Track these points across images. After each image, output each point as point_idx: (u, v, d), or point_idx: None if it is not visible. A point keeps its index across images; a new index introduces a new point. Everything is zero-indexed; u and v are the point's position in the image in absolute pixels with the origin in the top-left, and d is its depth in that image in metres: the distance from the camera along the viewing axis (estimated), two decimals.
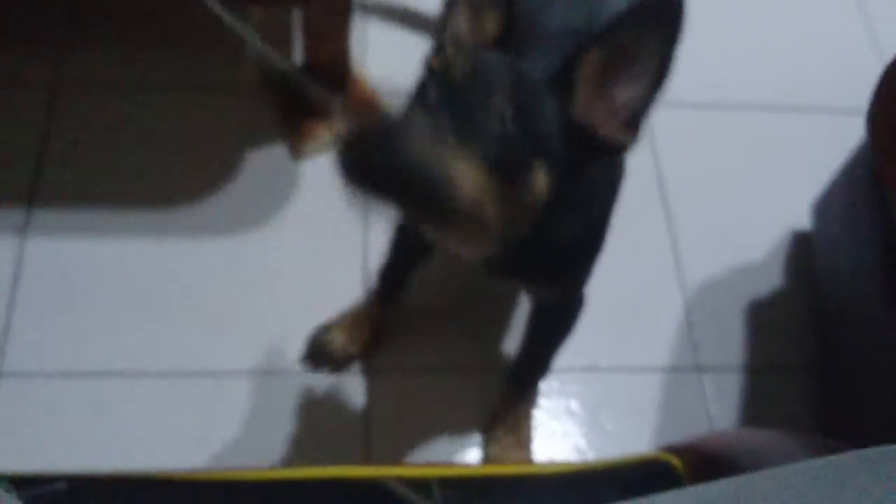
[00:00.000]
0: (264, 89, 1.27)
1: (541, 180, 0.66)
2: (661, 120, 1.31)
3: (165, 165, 1.19)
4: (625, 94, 0.65)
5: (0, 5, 1.21)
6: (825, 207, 1.19)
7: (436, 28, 0.76)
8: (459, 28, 0.72)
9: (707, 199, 1.29)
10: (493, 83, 0.64)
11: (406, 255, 1.01)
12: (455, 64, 0.65)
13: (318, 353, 1.07)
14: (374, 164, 0.60)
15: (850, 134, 1.10)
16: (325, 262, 1.15)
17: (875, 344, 1.01)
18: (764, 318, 1.19)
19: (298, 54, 1.28)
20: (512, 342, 1.12)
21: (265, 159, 1.22)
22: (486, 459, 1.04)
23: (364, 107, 1.26)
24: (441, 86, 0.65)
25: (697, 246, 1.24)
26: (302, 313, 1.10)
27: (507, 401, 1.05)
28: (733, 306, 1.20)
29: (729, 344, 1.16)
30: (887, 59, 0.99)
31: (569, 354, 1.10)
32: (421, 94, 0.67)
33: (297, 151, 1.22)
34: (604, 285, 1.17)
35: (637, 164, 1.28)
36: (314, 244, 1.16)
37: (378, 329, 1.09)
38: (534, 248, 0.74)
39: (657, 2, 0.60)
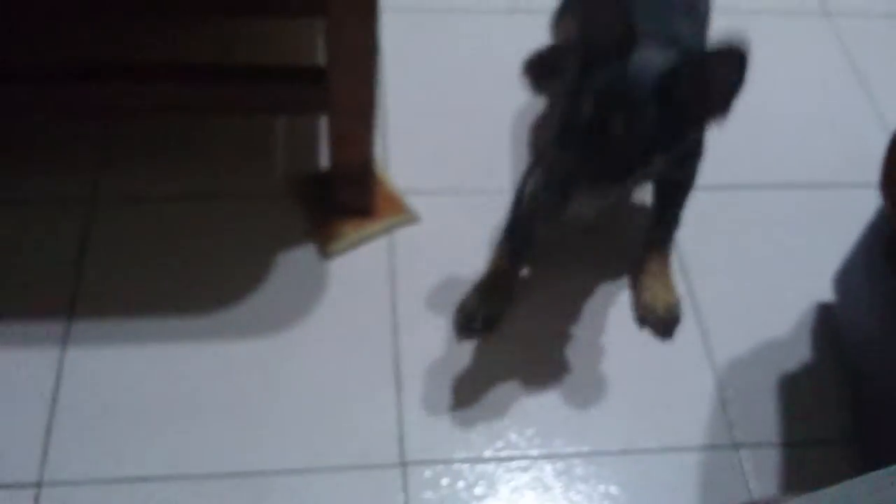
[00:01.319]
0: (292, 193, 1.32)
1: (658, 162, 0.96)
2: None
3: (198, 272, 1.23)
4: (718, 92, 0.91)
5: (40, 126, 1.27)
6: (846, 278, 1.21)
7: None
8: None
9: (730, 279, 1.31)
10: (612, 111, 0.91)
11: (532, 212, 1.20)
12: (585, 107, 0.93)
13: (468, 322, 1.19)
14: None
15: (864, 206, 1.13)
16: (355, 362, 1.17)
17: None
18: (797, 390, 1.19)
19: (325, 158, 1.33)
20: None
21: (295, 261, 1.25)
22: (640, 306, 1.23)
23: (388, 207, 1.31)
24: (578, 119, 0.94)
25: (725, 324, 1.25)
26: (333, 414, 1.11)
27: (650, 256, 1.25)
28: (765, 381, 1.20)
29: (764, 419, 1.16)
30: (892, 130, 1.03)
31: (603, 438, 1.11)
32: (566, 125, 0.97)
33: (325, 252, 1.26)
34: (636, 369, 1.19)
35: None
36: (344, 344, 1.18)
37: (514, 288, 1.23)
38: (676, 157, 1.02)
39: (729, 50, 0.88)
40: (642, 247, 1.27)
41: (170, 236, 1.27)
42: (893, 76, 1.62)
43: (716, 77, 0.90)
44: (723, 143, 1.44)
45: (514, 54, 1.57)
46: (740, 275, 1.31)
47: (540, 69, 1.54)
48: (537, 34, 1.55)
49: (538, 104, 1.50)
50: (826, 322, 1.26)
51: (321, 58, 1.15)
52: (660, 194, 1.26)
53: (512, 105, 1.49)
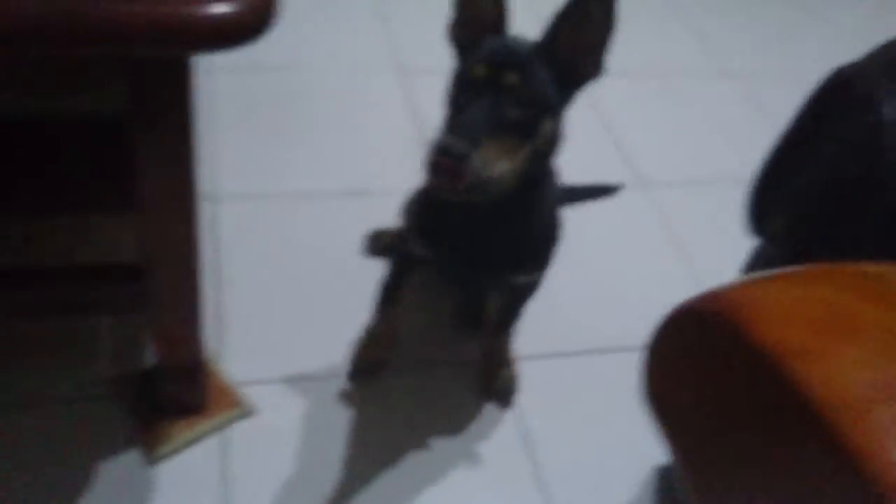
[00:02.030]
0: (116, 393, 1.25)
1: (548, 126, 1.01)
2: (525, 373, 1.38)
3: (12, 491, 1.12)
4: (589, 43, 0.98)
5: None
6: None
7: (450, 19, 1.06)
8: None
9: (572, 445, 1.32)
10: (503, 69, 0.97)
11: (402, 275, 1.34)
12: (477, 70, 0.98)
13: (362, 366, 1.38)
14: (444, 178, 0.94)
15: None
16: None
17: None
18: None
19: (152, 354, 1.28)
20: None
21: (118, 469, 1.17)
22: (484, 381, 1.39)
23: (221, 401, 1.26)
24: (469, 86, 0.99)
25: (568, 491, 1.25)
26: None
27: (493, 341, 1.38)
28: None
29: None
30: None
31: None
32: (455, 98, 1.01)
33: (152, 456, 1.18)
34: None
35: (500, 417, 1.33)
36: None
37: (394, 337, 1.41)
38: (515, 245, 1.15)
39: None
40: (486, 335, 1.40)
41: None
42: (705, 238, 1.74)
43: (587, 21, 0.97)
44: (554, 314, 1.50)
45: (354, 236, 1.59)
46: (582, 441, 1.33)
47: (381, 248, 1.57)
48: (376, 216, 1.59)
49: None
50: (665, 484, 1.28)
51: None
52: (507, 299, 1.34)
53: (353, 287, 1.50)
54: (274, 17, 0.79)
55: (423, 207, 1.21)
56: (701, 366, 0.56)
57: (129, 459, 1.18)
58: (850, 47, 1.08)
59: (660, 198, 1.84)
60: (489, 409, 1.37)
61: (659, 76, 2.26)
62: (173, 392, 1.21)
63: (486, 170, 0.94)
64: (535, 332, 1.47)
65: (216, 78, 1.89)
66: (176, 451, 1.19)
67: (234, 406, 1.26)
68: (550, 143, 1.04)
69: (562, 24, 0.98)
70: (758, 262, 1.14)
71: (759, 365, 0.47)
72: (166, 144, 0.90)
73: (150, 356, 1.29)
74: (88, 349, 1.30)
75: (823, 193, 0.95)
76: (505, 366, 1.39)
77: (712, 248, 1.70)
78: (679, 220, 1.79)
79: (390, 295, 1.35)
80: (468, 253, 1.16)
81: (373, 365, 1.39)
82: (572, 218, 1.59)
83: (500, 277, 1.25)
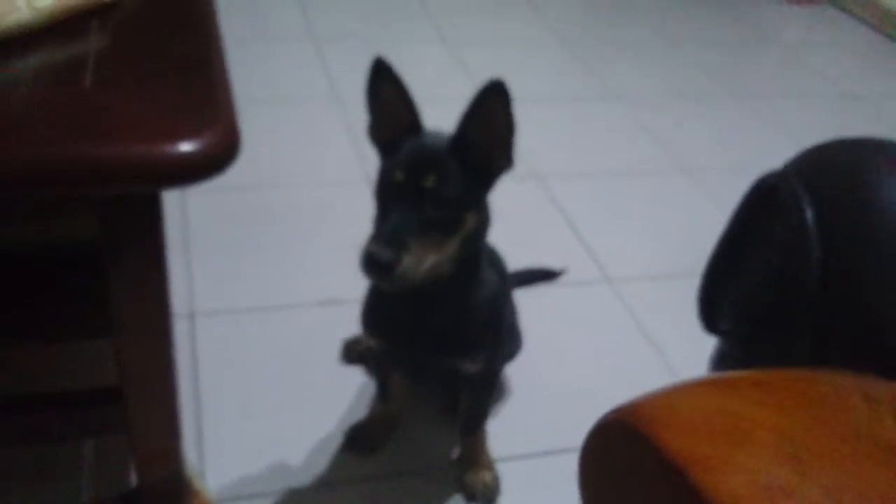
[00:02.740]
0: None
1: (471, 219, 1.07)
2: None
3: None
4: (497, 138, 1.05)
5: None
6: None
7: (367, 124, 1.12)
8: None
9: None
10: (420, 173, 1.03)
11: (386, 375, 1.42)
12: (397, 175, 1.04)
13: (359, 442, 1.44)
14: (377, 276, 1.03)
15: None
16: None
17: None
18: None
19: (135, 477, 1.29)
20: None
21: None
22: (465, 486, 1.40)
23: None
24: (392, 189, 1.05)
25: None
26: None
27: (467, 442, 1.41)
28: None
29: None
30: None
31: None
32: (382, 200, 1.07)
33: None
34: None
35: None
36: None
37: (395, 421, 1.49)
38: (456, 328, 1.19)
39: (492, 84, 1.01)
40: (460, 436, 1.43)
41: None
42: (675, 331, 1.78)
43: (491, 113, 1.03)
44: (533, 411, 1.53)
45: (330, 344, 1.63)
46: None
47: (357, 356, 1.61)
48: (351, 324, 1.63)
49: (361, 389, 1.55)
50: None
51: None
52: (468, 393, 1.37)
53: (334, 394, 1.53)
54: (237, 149, 0.85)
55: (371, 301, 1.26)
56: (623, 473, 0.60)
57: None
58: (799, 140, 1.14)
59: (629, 292, 1.90)
60: None
61: (620, 174, 2.36)
62: None
63: (415, 269, 1.02)
64: (516, 430, 1.50)
65: (188, 200, 1.96)
66: None
67: None
68: (477, 232, 1.11)
69: (469, 122, 1.05)
70: (719, 356, 1.18)
71: (667, 473, 0.51)
72: (138, 271, 0.94)
73: (133, 477, 1.31)
74: (72, 472, 1.32)
75: (763, 293, 1.01)
76: (485, 468, 1.41)
77: (684, 341, 1.74)
78: (650, 314, 1.84)
79: (384, 392, 1.44)
80: (413, 341, 1.21)
81: (370, 442, 1.45)
82: (545, 315, 1.65)
83: (446, 365, 1.28)
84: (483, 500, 1.39)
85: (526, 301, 1.54)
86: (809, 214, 0.93)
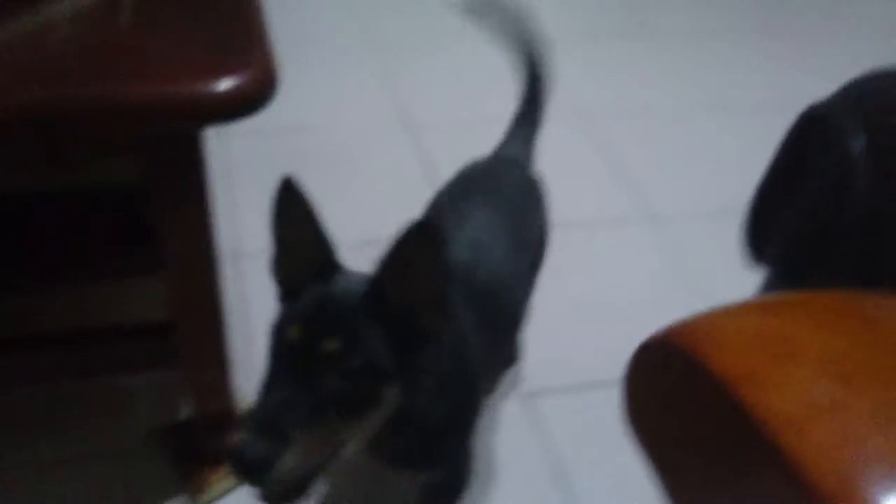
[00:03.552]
0: (156, 446, 1.30)
1: (390, 396, 0.80)
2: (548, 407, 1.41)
3: None
4: (422, 294, 0.80)
5: None
6: None
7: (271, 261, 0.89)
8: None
9: (608, 477, 1.34)
10: (320, 332, 0.77)
11: None
12: (291, 332, 0.78)
13: None
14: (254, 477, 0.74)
15: None
16: None
17: None
18: None
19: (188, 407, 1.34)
20: None
21: None
22: None
23: None
24: (284, 351, 0.79)
25: None
26: None
27: None
28: None
29: None
30: None
31: None
32: (271, 363, 0.80)
33: (196, 502, 1.23)
34: None
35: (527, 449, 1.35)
36: None
37: None
38: (409, 436, 0.90)
39: (418, 225, 0.77)
40: None
41: None
42: (720, 271, 1.76)
43: (415, 263, 0.79)
44: (569, 347, 1.54)
45: None
46: (617, 472, 1.35)
47: None
48: None
49: None
50: None
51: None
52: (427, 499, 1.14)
53: None
54: (275, 88, 0.85)
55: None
56: (668, 395, 0.60)
57: None
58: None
59: (670, 231, 1.88)
60: None
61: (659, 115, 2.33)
62: (211, 442, 1.26)
63: (299, 468, 0.75)
64: (555, 362, 1.50)
65: (230, 142, 1.98)
66: (217, 498, 1.24)
67: None
68: (413, 404, 0.84)
69: (387, 272, 0.80)
70: (766, 289, 1.18)
71: (713, 391, 0.51)
72: (183, 209, 0.96)
73: (186, 408, 1.35)
74: (128, 405, 1.37)
75: (810, 223, 1.00)
76: None
77: (728, 278, 1.72)
78: (692, 253, 1.82)
79: None
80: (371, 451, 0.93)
81: None
82: (586, 250, 1.62)
83: (403, 475, 1.10)
84: None
85: (572, 234, 1.52)
86: (860, 142, 0.91)
